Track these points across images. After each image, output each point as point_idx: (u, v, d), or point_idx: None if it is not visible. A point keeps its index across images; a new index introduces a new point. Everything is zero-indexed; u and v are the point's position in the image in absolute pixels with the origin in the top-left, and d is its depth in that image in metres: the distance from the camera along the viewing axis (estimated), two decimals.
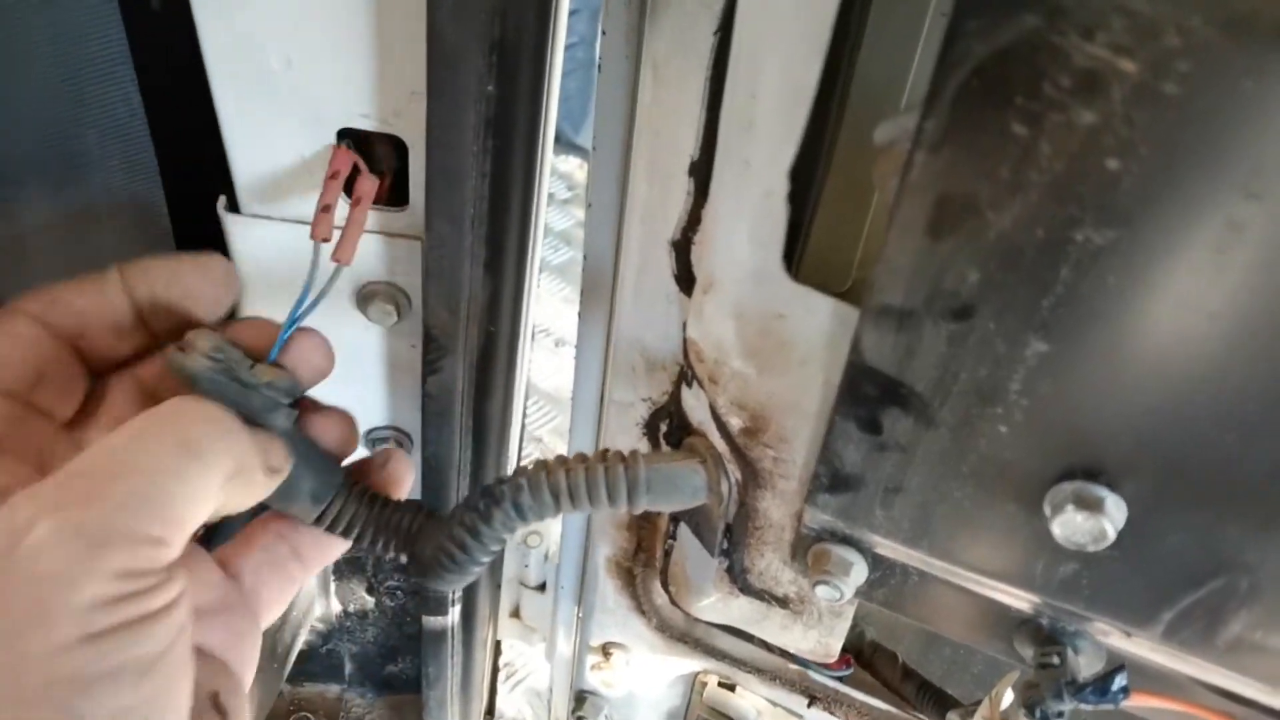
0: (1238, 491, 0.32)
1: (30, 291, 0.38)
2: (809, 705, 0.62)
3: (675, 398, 0.51)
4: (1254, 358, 0.30)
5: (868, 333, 0.35)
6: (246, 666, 0.36)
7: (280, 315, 0.41)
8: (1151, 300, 0.30)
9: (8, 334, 0.37)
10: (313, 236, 0.43)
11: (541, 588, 0.84)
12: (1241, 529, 0.33)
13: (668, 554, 0.56)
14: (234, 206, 0.55)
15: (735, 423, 0.43)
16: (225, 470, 0.33)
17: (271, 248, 0.54)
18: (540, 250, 0.58)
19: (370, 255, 0.56)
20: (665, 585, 0.57)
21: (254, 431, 0.35)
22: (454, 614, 0.76)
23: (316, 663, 0.86)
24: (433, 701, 0.85)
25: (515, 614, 0.88)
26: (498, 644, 0.98)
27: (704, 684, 0.71)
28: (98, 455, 0.31)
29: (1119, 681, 0.38)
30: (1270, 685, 0.37)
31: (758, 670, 0.63)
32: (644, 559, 0.61)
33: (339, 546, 0.41)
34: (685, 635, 0.65)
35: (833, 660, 0.50)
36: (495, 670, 0.98)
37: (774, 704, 0.67)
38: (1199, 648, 0.37)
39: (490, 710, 0.97)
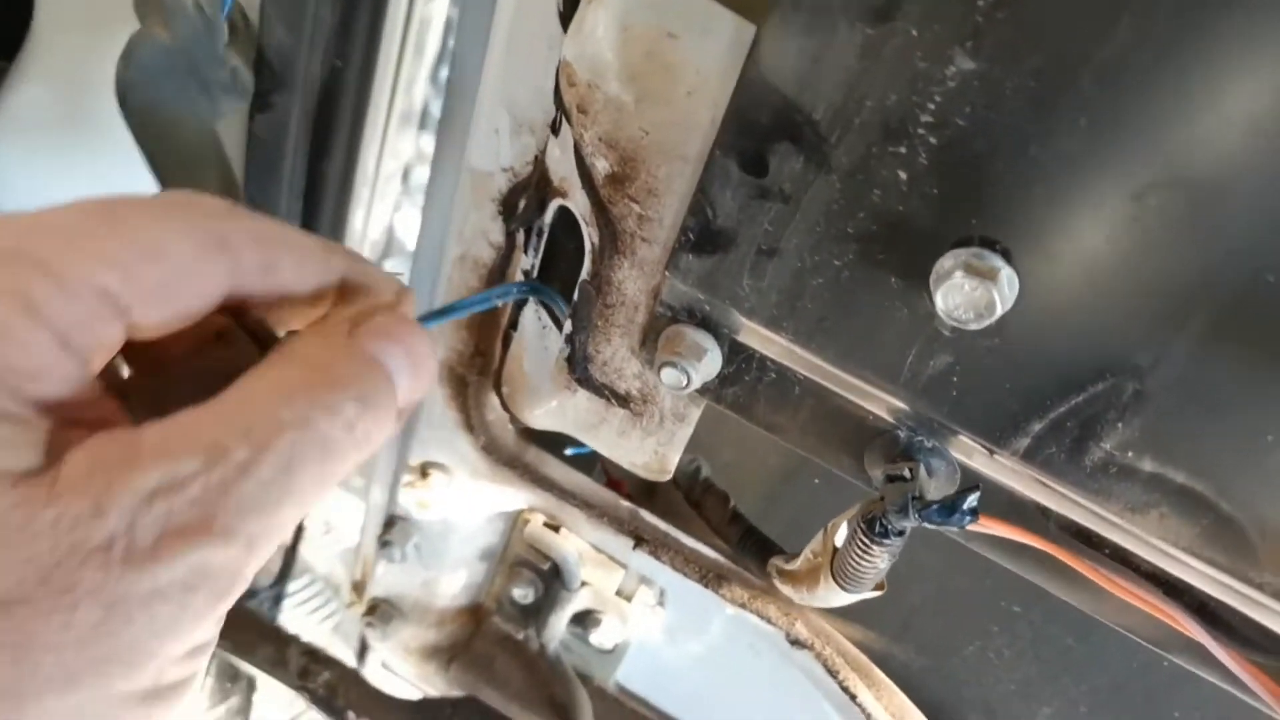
0: (1146, 281, 0.29)
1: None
2: (634, 547, 0.58)
3: (538, 167, 0.45)
4: (1198, 111, 0.25)
5: (770, 38, 0.29)
6: None
7: None
8: (1100, 11, 0.25)
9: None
10: None
11: None
12: (1142, 325, 0.30)
13: (505, 345, 0.50)
14: None
15: (602, 167, 0.37)
16: None
17: None
18: None
19: None
20: (499, 387, 0.52)
21: None
22: None
23: None
24: None
25: None
26: None
27: (527, 521, 0.66)
28: None
29: (970, 501, 0.35)
30: (1128, 515, 0.34)
31: (586, 505, 0.59)
32: (480, 364, 0.55)
33: None
34: (514, 460, 0.59)
35: (667, 477, 0.46)
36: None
37: (598, 549, 0.63)
38: (1062, 470, 0.34)
39: (296, 543, 0.90)
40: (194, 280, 0.26)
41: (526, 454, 0.59)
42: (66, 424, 0.24)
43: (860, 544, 0.38)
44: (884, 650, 0.61)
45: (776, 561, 0.50)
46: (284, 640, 0.70)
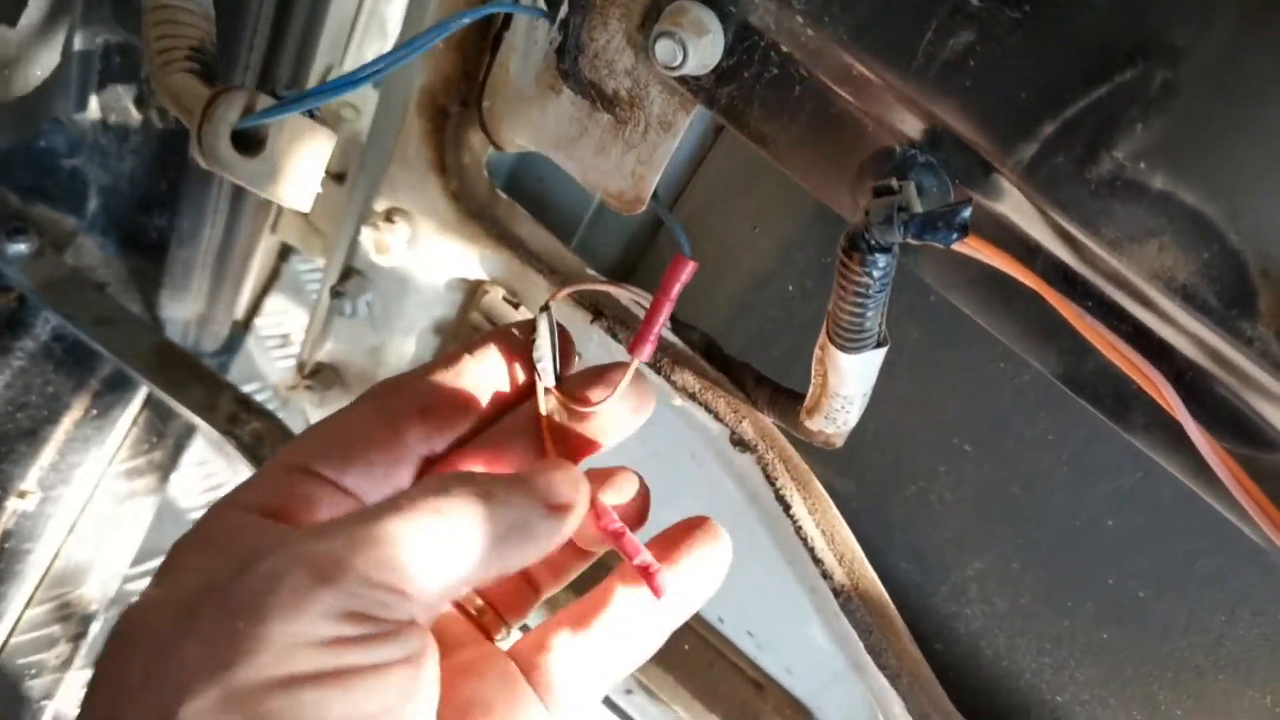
0: None
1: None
2: (592, 320, 0.55)
3: None
4: None
5: None
6: None
7: None
8: None
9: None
10: None
11: (340, 178, 0.74)
12: None
13: (495, 50, 0.47)
14: None
15: None
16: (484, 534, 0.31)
17: None
18: None
19: None
20: (480, 103, 0.49)
21: None
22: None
23: (55, 180, 0.73)
24: (179, 264, 0.75)
25: None
26: (284, 249, 0.88)
27: (485, 293, 0.64)
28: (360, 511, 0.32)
29: (963, 214, 0.32)
30: (1126, 246, 0.31)
31: (551, 271, 0.56)
32: (464, 90, 0.52)
33: None
34: (483, 211, 0.56)
35: (641, 207, 0.43)
36: (272, 278, 0.88)
37: None
38: (1065, 187, 0.31)
39: (249, 321, 0.88)
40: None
41: (497, 206, 0.56)
42: None
43: (845, 277, 0.35)
44: (825, 484, 0.59)
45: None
46: (218, 386, 0.68)
